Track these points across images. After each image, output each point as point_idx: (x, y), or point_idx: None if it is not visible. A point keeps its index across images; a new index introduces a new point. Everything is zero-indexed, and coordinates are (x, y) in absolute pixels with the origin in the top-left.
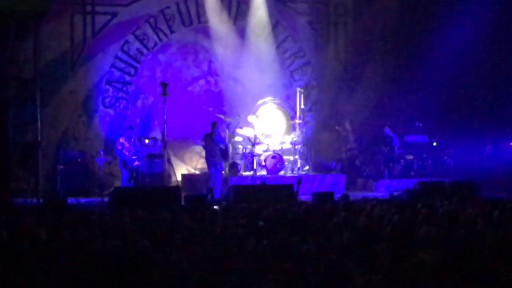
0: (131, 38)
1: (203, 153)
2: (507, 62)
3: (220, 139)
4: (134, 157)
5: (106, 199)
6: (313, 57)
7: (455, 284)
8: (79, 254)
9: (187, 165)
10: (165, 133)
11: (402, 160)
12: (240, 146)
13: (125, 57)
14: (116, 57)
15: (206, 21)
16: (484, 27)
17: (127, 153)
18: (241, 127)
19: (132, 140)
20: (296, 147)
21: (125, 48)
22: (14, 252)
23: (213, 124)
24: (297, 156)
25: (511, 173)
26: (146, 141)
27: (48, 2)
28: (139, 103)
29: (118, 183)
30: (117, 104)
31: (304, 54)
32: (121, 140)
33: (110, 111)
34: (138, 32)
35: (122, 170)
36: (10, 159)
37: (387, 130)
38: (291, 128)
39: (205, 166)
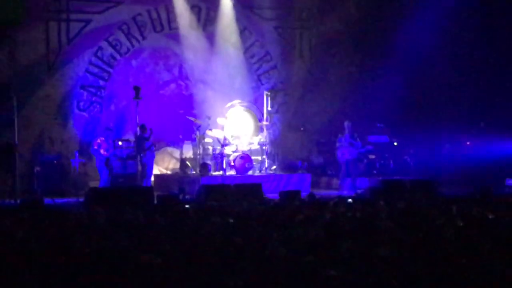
0: (104, 44)
1: (175, 154)
2: (464, 62)
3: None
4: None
5: (81, 199)
6: (279, 61)
7: (415, 277)
8: (56, 252)
9: (159, 165)
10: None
11: (365, 160)
12: (210, 147)
13: (98, 63)
14: (90, 62)
15: (177, 28)
16: (441, 27)
17: (104, 153)
18: (210, 129)
19: (110, 141)
20: (264, 147)
21: (99, 54)
22: None
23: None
24: (264, 156)
25: (468, 171)
26: (120, 143)
27: (23, 11)
28: (112, 106)
29: (93, 184)
30: (92, 107)
31: (271, 58)
32: (98, 140)
33: (85, 114)
34: (111, 39)
35: (101, 169)
36: None
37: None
38: (259, 129)
39: (176, 166)
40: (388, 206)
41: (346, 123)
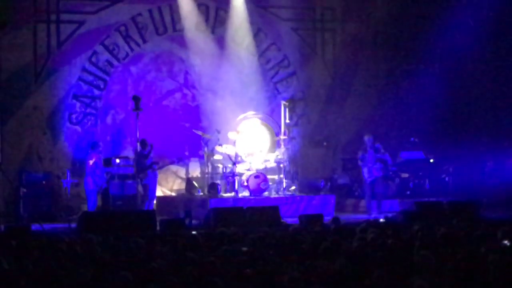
0: (99, 48)
1: (180, 173)
2: (510, 74)
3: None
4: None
5: (74, 224)
6: (299, 67)
7: None
8: (46, 285)
9: (162, 186)
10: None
11: (397, 179)
12: (220, 165)
13: (93, 69)
14: (84, 69)
15: (182, 29)
16: (486, 33)
17: (98, 172)
18: (220, 145)
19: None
20: (281, 165)
21: (93, 59)
22: None
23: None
24: (282, 176)
25: None
26: (117, 160)
27: (9, 13)
28: (109, 119)
29: (87, 207)
30: (85, 120)
31: (289, 63)
32: (94, 158)
33: (78, 128)
34: (107, 42)
35: (89, 192)
36: None
37: (366, 138)
38: (276, 144)
39: (182, 187)
40: (423, 231)
41: (366, 138)
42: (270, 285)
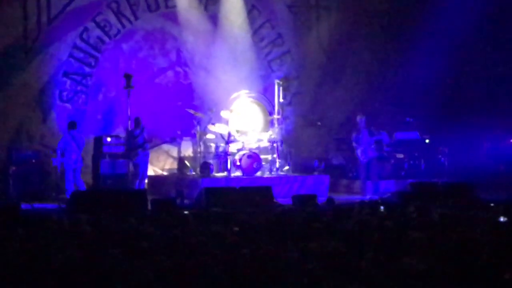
0: (91, 25)
1: (172, 152)
2: (506, 52)
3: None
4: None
5: (63, 204)
6: (293, 45)
7: None
8: (35, 265)
9: (153, 165)
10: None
11: (391, 159)
12: (213, 145)
13: (84, 46)
14: (75, 46)
15: (174, 6)
16: (486, 13)
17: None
18: (213, 123)
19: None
20: (275, 145)
21: (85, 36)
22: None
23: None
24: (275, 155)
25: (511, 172)
26: (108, 139)
27: None
28: (100, 97)
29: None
30: (76, 98)
31: (283, 42)
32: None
33: (68, 105)
34: (99, 18)
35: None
36: None
37: (358, 119)
38: (269, 124)
39: (174, 166)
40: (418, 212)
41: (359, 118)
42: (264, 265)
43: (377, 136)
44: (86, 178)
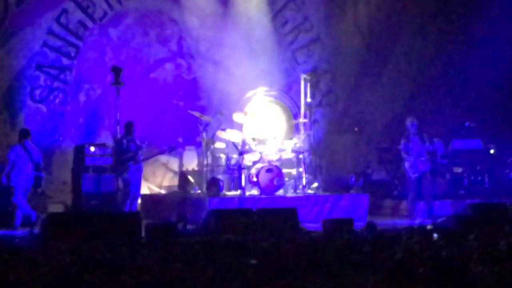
0: (70, 5)
1: (171, 165)
2: None
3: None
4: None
5: (36, 230)
6: (324, 31)
7: None
8: None
9: (148, 182)
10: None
11: (447, 174)
12: (223, 156)
13: (62, 32)
14: (50, 32)
15: None
16: None
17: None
18: (223, 129)
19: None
20: (300, 156)
21: (63, 19)
22: None
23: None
24: (301, 169)
25: None
26: (92, 149)
27: None
28: (82, 96)
29: (53, 208)
30: (51, 97)
31: (311, 27)
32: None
33: (42, 106)
34: None
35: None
36: None
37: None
38: (294, 130)
39: (173, 183)
40: (481, 241)
41: (409, 121)
42: None
43: (430, 145)
44: (65, 197)
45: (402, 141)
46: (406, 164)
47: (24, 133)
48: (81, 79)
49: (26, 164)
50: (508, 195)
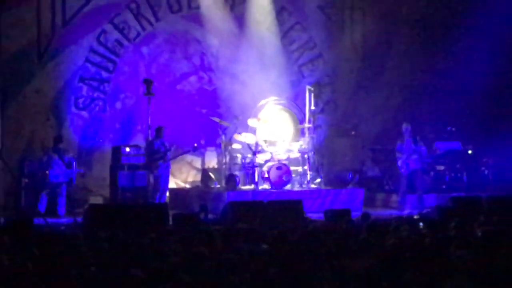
0: (108, 27)
1: (195, 163)
2: None
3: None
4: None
5: (80, 218)
6: (326, 48)
7: None
8: (48, 285)
9: (175, 177)
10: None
11: (431, 172)
12: (239, 155)
13: (101, 50)
14: (91, 49)
15: (198, 7)
16: None
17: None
18: (239, 133)
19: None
20: (306, 156)
21: (102, 39)
22: None
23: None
24: (306, 167)
25: None
26: (127, 149)
27: None
28: (118, 104)
29: (94, 200)
30: (93, 105)
31: (314, 45)
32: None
33: (84, 113)
34: (117, 20)
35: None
36: None
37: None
38: (300, 133)
39: (197, 178)
40: (460, 229)
41: (404, 126)
42: (295, 285)
43: (419, 147)
44: (104, 191)
45: (398, 142)
46: (399, 162)
47: (57, 139)
48: (118, 90)
49: (59, 165)
50: (483, 190)
